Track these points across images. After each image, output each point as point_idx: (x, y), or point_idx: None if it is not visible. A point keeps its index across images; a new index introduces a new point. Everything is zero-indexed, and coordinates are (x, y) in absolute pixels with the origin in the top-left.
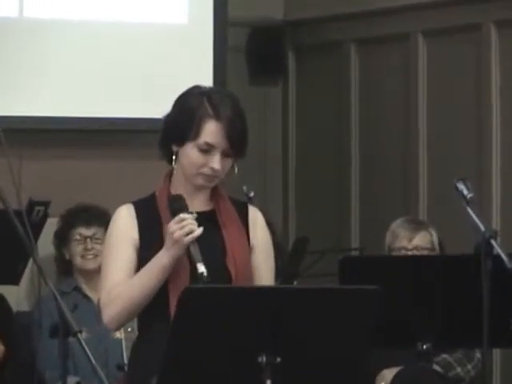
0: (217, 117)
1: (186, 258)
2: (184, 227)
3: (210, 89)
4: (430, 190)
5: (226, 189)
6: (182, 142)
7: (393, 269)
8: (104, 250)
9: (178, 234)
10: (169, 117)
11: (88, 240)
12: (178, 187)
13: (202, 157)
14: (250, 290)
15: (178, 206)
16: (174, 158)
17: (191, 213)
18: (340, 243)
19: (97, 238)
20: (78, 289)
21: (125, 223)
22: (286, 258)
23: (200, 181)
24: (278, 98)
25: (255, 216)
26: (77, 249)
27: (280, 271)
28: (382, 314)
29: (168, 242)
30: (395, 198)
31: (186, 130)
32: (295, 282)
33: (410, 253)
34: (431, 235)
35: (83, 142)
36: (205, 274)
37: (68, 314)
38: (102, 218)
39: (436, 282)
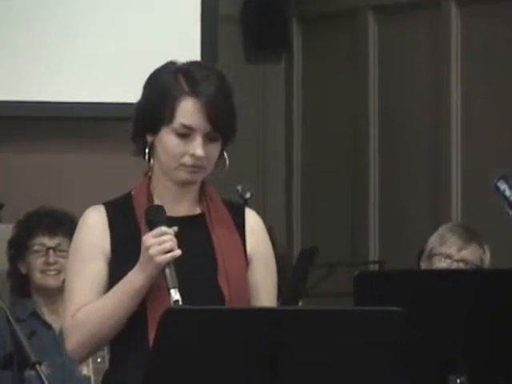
0: (194, 93)
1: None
2: (163, 243)
3: (188, 63)
4: (465, 194)
5: (215, 188)
6: (155, 128)
7: (422, 286)
8: (68, 263)
9: (155, 249)
10: (139, 101)
11: (50, 252)
12: (158, 186)
13: (181, 143)
14: (243, 313)
15: (155, 219)
16: (146, 150)
17: (171, 227)
18: (355, 255)
19: (61, 250)
20: (35, 314)
21: (94, 230)
22: (288, 273)
23: (182, 175)
24: (281, 78)
25: (254, 221)
26: (36, 262)
27: (282, 289)
28: (408, 341)
29: (143, 259)
30: (421, 203)
31: (159, 113)
32: (300, 303)
33: (454, 265)
34: (484, 251)
35: (46, 131)
36: (180, 302)
37: (25, 342)
38: (68, 226)
39: (477, 303)
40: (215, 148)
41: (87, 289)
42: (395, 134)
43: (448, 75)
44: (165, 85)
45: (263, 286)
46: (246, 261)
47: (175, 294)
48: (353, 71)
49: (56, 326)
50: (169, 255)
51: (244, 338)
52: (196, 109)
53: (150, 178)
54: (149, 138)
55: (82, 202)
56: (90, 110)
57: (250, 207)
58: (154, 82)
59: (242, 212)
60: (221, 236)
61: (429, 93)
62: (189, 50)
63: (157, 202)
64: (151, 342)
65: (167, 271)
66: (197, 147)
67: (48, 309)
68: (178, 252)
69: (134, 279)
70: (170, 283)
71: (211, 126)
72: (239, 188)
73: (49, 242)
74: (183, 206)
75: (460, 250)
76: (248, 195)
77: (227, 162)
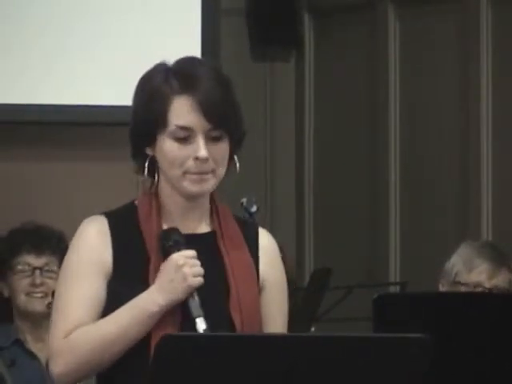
0: (186, 91)
1: (177, 304)
2: (196, 265)
3: (179, 60)
4: (496, 210)
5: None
6: (152, 137)
7: (447, 310)
8: (61, 277)
9: (189, 270)
10: (131, 111)
11: (37, 272)
12: (166, 200)
13: (181, 148)
14: (252, 339)
15: (173, 242)
16: (145, 165)
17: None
18: (373, 277)
19: (48, 270)
20: (19, 343)
21: (94, 241)
22: (300, 297)
23: (189, 186)
24: (291, 77)
25: (268, 243)
26: (20, 283)
27: (292, 314)
28: (432, 371)
29: (168, 279)
30: (448, 217)
31: (152, 120)
32: (313, 329)
33: None
34: None
35: (34, 137)
36: (200, 324)
37: (4, 371)
38: (56, 244)
39: (505, 328)
40: (221, 149)
41: (83, 308)
42: (419, 142)
43: (477, 75)
44: (154, 87)
45: (277, 314)
46: (259, 286)
47: (201, 324)
48: (371, 71)
49: (41, 355)
50: (200, 279)
51: (253, 366)
52: (190, 107)
53: (156, 193)
54: (148, 152)
55: (70, 218)
56: (79, 113)
57: (257, 222)
58: (144, 86)
59: (255, 232)
60: (233, 259)
61: (456, 94)
62: (188, 45)
63: (165, 217)
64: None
65: (191, 300)
66: (200, 148)
67: (32, 336)
68: (200, 279)
69: (151, 303)
70: (194, 312)
71: (211, 124)
72: (244, 201)
73: (35, 261)
74: (193, 223)
75: (491, 277)
76: (254, 209)
77: (237, 166)
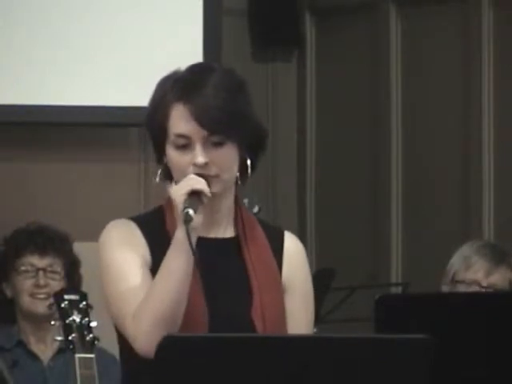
0: (184, 99)
1: (205, 306)
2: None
3: (188, 67)
4: (498, 210)
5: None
6: (161, 146)
7: (450, 311)
8: (107, 275)
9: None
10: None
11: (41, 273)
12: None
13: (182, 155)
14: (254, 341)
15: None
16: (158, 172)
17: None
18: (375, 278)
19: (52, 272)
20: (22, 344)
21: (130, 238)
22: None
23: None
24: (292, 77)
25: (295, 247)
26: (24, 284)
27: None
28: (434, 373)
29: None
30: (450, 218)
31: (157, 129)
32: (315, 329)
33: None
34: None
35: (34, 137)
36: (190, 213)
37: (5, 372)
38: (60, 245)
39: (508, 329)
40: (224, 153)
41: (142, 291)
42: (420, 142)
43: (479, 75)
44: (160, 96)
45: (298, 317)
46: (281, 288)
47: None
48: (373, 71)
49: (44, 357)
50: (201, 181)
51: (259, 368)
52: (186, 114)
53: None
54: (165, 159)
55: (72, 219)
56: (81, 114)
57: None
58: (154, 94)
59: (280, 236)
60: (257, 263)
61: (457, 94)
62: (190, 46)
63: None
64: None
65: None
66: (197, 155)
67: (35, 337)
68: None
69: (177, 235)
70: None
71: (206, 130)
72: (246, 201)
73: (39, 262)
74: (217, 227)
75: (488, 275)
76: (256, 209)
77: (249, 170)
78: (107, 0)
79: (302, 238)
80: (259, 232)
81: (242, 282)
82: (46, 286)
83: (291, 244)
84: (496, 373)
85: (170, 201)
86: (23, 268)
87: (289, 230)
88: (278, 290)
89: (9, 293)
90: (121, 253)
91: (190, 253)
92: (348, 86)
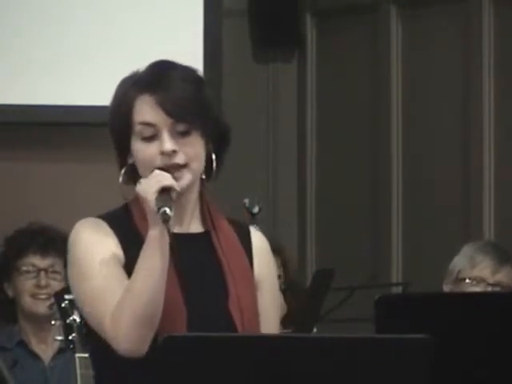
0: (148, 89)
1: (182, 302)
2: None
3: (151, 63)
4: (498, 210)
5: (217, 202)
6: (127, 143)
7: (450, 311)
8: (77, 274)
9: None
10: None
11: (42, 273)
12: None
13: (149, 146)
14: (254, 340)
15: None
16: (122, 172)
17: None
18: (375, 278)
19: (54, 272)
20: (22, 344)
21: (101, 236)
22: (302, 298)
23: None
24: (293, 78)
25: (261, 243)
26: (25, 284)
27: (295, 315)
28: (434, 373)
29: (151, 212)
30: (451, 218)
31: (120, 124)
32: (315, 329)
33: (488, 289)
34: None
35: (34, 138)
36: (167, 212)
37: (5, 371)
38: (61, 245)
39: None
40: (191, 143)
41: (119, 288)
42: (421, 142)
43: (479, 75)
44: (122, 94)
45: (272, 313)
46: (254, 282)
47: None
48: (373, 71)
49: (45, 357)
50: (169, 176)
51: (252, 368)
52: (152, 103)
53: None
54: (130, 160)
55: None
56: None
57: (259, 222)
58: (114, 95)
59: (247, 232)
60: (230, 259)
61: (458, 94)
62: (190, 46)
63: None
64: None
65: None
66: (164, 142)
67: (36, 337)
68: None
69: (150, 233)
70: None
71: (171, 117)
72: (246, 201)
73: (40, 262)
74: (185, 222)
75: (494, 272)
76: (256, 209)
77: (214, 165)
78: (107, 0)
79: (302, 238)
80: (228, 227)
81: (216, 276)
82: (47, 286)
83: (258, 240)
84: (496, 373)
85: (136, 197)
86: (25, 268)
87: (289, 230)
88: (251, 281)
89: (10, 293)
90: (92, 251)
91: (166, 251)
92: (348, 86)
